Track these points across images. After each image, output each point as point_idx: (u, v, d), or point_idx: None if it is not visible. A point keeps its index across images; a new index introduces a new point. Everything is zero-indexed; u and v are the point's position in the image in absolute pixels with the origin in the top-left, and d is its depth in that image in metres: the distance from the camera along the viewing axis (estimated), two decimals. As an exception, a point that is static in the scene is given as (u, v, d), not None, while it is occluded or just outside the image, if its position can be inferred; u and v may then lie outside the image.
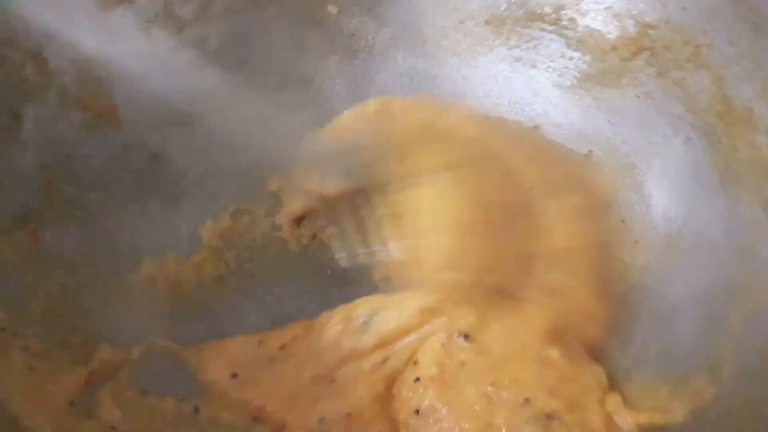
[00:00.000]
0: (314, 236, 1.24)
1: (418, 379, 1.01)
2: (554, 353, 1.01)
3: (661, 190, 1.17)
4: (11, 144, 1.05)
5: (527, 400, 0.96)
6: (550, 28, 1.28)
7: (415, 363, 1.02)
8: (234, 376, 1.04)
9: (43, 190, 1.07)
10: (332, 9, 1.31)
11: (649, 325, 1.08)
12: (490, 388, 0.98)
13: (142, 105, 1.19)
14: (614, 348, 1.08)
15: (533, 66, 1.30)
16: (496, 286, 1.08)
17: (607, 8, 1.23)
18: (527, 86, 1.30)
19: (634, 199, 1.19)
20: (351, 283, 1.18)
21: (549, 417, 0.94)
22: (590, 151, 1.25)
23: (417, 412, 0.98)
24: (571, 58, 1.27)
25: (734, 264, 1.03)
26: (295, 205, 1.24)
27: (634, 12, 1.20)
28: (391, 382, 1.02)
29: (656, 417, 0.95)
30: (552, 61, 1.29)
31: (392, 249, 1.14)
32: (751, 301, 0.97)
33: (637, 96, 1.21)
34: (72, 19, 1.07)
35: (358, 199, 1.20)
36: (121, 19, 1.16)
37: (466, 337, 1.01)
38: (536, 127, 1.28)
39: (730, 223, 1.06)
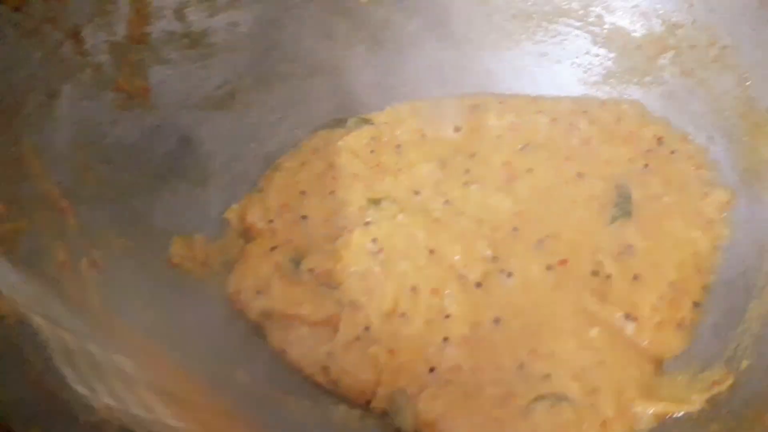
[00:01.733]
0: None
1: (446, 339, 1.03)
2: (594, 332, 1.02)
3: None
4: (48, 121, 1.06)
5: (547, 376, 0.99)
6: (577, 24, 1.30)
7: (448, 317, 1.05)
8: None
9: (77, 169, 1.08)
10: (361, -2, 1.32)
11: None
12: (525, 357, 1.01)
13: (174, 88, 1.21)
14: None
15: (558, 62, 1.32)
16: None
17: (634, 6, 1.25)
18: (552, 82, 1.32)
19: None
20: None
21: (560, 398, 0.96)
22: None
23: (432, 370, 1.01)
24: (597, 55, 1.30)
25: (753, 260, 1.05)
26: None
27: (661, 11, 1.22)
28: None
29: (673, 406, 0.96)
30: (577, 57, 1.31)
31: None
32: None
33: (661, 94, 1.23)
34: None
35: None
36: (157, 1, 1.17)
37: None
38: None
39: (750, 222, 1.08)
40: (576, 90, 1.31)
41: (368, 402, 1.01)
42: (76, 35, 1.10)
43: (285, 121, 1.31)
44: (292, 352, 1.06)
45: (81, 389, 0.87)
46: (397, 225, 1.14)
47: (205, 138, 1.24)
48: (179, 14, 1.21)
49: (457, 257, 1.10)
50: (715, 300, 1.06)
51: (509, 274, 1.09)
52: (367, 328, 1.05)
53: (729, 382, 0.94)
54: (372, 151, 1.27)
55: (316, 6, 1.32)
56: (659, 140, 1.20)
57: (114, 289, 1.03)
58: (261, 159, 1.28)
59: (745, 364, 0.95)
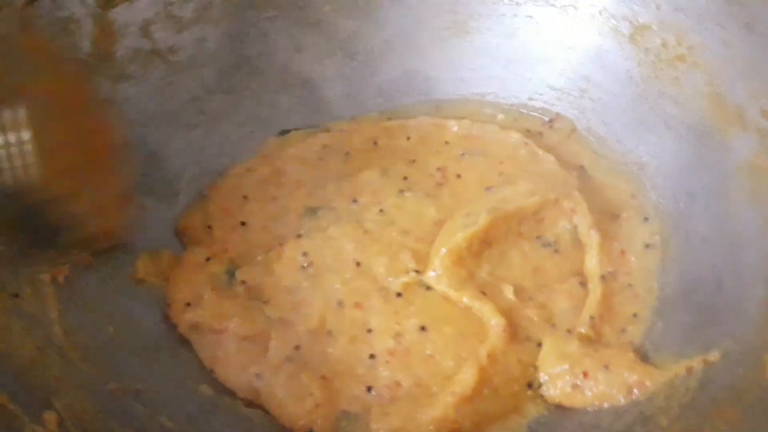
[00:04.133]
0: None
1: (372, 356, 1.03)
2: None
3: (655, 188, 1.17)
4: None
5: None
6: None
7: (370, 331, 1.05)
8: None
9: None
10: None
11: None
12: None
13: (141, 104, 1.22)
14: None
15: (529, 68, 1.31)
16: None
17: (602, 10, 1.24)
18: (522, 88, 1.31)
19: (628, 198, 1.18)
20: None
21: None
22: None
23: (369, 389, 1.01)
24: (567, 60, 1.28)
25: (724, 259, 1.03)
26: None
27: (629, 13, 1.21)
28: None
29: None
30: (546, 62, 1.30)
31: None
32: (739, 293, 0.97)
33: (632, 96, 1.22)
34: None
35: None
36: (121, 18, 1.17)
37: None
38: (528, 131, 1.28)
39: (721, 220, 1.06)
40: (546, 95, 1.30)
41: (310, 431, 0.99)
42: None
43: (255, 135, 1.30)
44: (220, 370, 1.04)
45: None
46: (327, 237, 1.14)
47: (173, 154, 1.24)
48: (145, 31, 1.21)
49: (381, 269, 1.10)
50: (684, 297, 1.04)
51: (428, 288, 1.09)
52: (297, 347, 1.04)
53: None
54: (320, 159, 1.26)
55: (284, 20, 1.32)
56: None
57: (74, 304, 1.03)
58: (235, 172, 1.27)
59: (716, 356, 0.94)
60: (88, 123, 1.05)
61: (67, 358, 0.96)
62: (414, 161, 1.25)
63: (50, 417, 0.88)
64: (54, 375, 0.93)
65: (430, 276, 1.08)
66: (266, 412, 1.01)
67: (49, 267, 1.03)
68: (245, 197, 1.21)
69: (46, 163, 0.95)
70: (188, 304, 1.08)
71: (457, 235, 1.09)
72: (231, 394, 1.02)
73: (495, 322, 1.03)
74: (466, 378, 0.96)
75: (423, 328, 1.05)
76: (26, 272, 1.01)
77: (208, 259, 1.14)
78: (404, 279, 1.09)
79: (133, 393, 0.98)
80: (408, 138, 1.29)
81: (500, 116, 1.32)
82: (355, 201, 1.19)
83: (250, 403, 1.02)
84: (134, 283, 1.11)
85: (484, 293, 1.07)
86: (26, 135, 0.94)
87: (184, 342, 1.07)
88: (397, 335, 1.04)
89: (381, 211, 1.17)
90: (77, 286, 1.05)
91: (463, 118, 1.31)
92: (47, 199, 0.97)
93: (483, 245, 1.10)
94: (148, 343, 1.05)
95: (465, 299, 1.06)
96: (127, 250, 1.13)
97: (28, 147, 0.94)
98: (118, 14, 1.17)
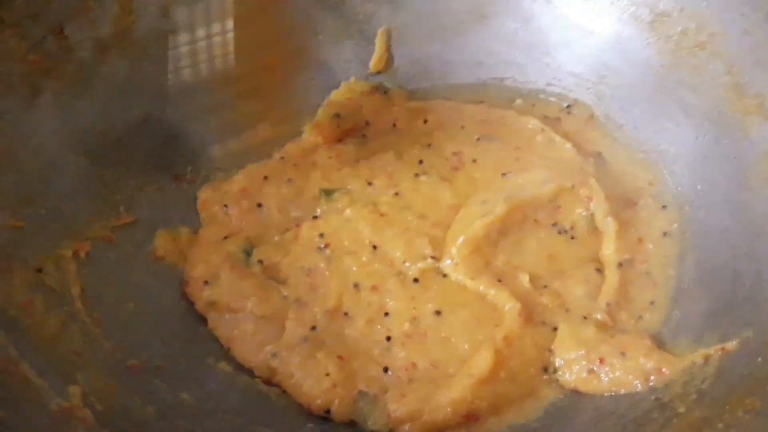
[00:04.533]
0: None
1: (389, 338, 1.04)
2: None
3: (673, 176, 1.17)
4: (29, 116, 1.07)
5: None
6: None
7: (387, 314, 1.06)
8: None
9: (59, 162, 1.08)
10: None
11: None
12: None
13: (160, 83, 1.22)
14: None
15: (547, 53, 1.31)
16: None
17: (622, -4, 1.24)
18: (540, 72, 1.32)
19: (646, 186, 1.19)
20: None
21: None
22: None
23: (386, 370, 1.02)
24: (585, 46, 1.28)
25: (742, 248, 1.03)
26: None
27: (649, 0, 1.20)
28: None
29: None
30: (567, 48, 1.30)
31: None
32: (757, 282, 0.98)
33: (651, 83, 1.22)
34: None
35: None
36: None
37: None
38: (546, 117, 1.29)
39: (740, 209, 1.06)
40: (564, 80, 1.30)
41: (327, 411, 1.00)
42: (59, 31, 1.10)
43: (273, 116, 1.30)
44: (237, 348, 1.05)
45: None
46: (344, 220, 1.15)
47: (193, 132, 1.24)
48: (164, 11, 1.21)
49: (398, 253, 1.11)
50: (702, 286, 1.05)
51: (445, 275, 1.10)
52: (313, 328, 1.05)
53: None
54: (337, 140, 1.27)
55: (304, 1, 1.32)
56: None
57: (96, 280, 1.04)
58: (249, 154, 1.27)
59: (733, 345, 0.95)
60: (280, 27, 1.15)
61: (90, 334, 0.98)
62: (430, 145, 1.25)
63: (74, 391, 0.89)
64: (77, 350, 0.95)
65: (447, 264, 1.09)
66: (284, 390, 1.02)
67: (70, 242, 1.04)
68: (266, 178, 1.22)
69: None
70: (206, 282, 1.09)
71: (475, 223, 1.09)
72: (249, 371, 1.03)
73: (510, 306, 1.04)
74: (483, 360, 0.97)
75: (438, 313, 1.06)
76: (48, 247, 1.02)
77: (225, 238, 1.15)
78: (421, 265, 1.10)
79: (154, 369, 0.99)
80: (425, 121, 1.30)
81: (518, 101, 1.32)
82: (370, 184, 1.20)
83: (268, 381, 1.03)
84: (154, 261, 1.12)
85: (500, 281, 1.07)
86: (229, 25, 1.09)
87: (203, 319, 1.08)
88: (414, 319, 1.05)
89: (396, 194, 1.18)
90: (98, 262, 1.06)
91: (482, 102, 1.32)
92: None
93: (499, 234, 1.11)
94: (167, 320, 1.06)
95: (481, 287, 1.07)
96: (147, 228, 1.14)
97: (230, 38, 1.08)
98: (140, -8, 1.17)
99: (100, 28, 1.14)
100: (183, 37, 1.23)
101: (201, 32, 1.25)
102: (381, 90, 1.34)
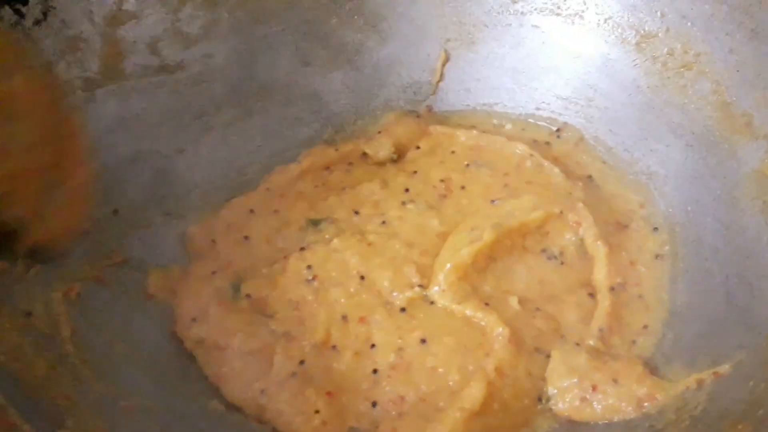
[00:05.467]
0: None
1: (375, 371, 1.04)
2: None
3: (664, 198, 1.17)
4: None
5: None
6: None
7: (373, 346, 1.06)
8: None
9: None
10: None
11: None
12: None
13: (150, 120, 1.22)
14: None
15: (535, 78, 1.31)
16: None
17: (608, 18, 1.23)
18: (529, 97, 1.32)
19: (636, 208, 1.18)
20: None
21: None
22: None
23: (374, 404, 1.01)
24: (573, 69, 1.28)
25: (734, 269, 1.02)
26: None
27: (635, 21, 1.21)
28: None
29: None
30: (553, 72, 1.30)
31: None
32: (750, 304, 0.97)
33: (639, 105, 1.22)
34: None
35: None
36: (129, 35, 1.18)
37: None
38: (535, 142, 1.29)
39: (731, 230, 1.06)
40: (553, 104, 1.30)
41: None
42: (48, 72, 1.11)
43: (264, 149, 1.30)
44: (226, 386, 1.04)
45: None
46: (331, 250, 1.14)
47: (184, 169, 1.24)
48: (153, 48, 1.22)
49: (386, 283, 1.10)
50: (695, 308, 1.04)
51: (432, 303, 1.09)
52: (302, 362, 1.04)
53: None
54: (324, 169, 1.27)
55: (291, 34, 1.32)
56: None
57: (86, 321, 1.04)
58: (242, 188, 1.27)
59: (726, 369, 0.94)
60: (49, 127, 1.00)
61: (79, 377, 0.97)
62: (415, 172, 1.25)
63: (63, 435, 0.88)
64: (66, 393, 0.94)
65: (434, 291, 1.09)
66: (275, 429, 1.01)
67: (61, 284, 1.04)
68: (252, 211, 1.22)
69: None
70: (194, 320, 1.09)
71: (462, 251, 1.09)
72: (241, 410, 1.03)
73: (499, 332, 1.03)
74: (474, 393, 0.96)
75: (423, 341, 1.05)
76: (38, 290, 1.02)
77: (213, 273, 1.14)
78: (409, 294, 1.09)
79: (145, 410, 0.98)
80: (417, 147, 1.29)
81: (508, 126, 1.32)
82: (357, 212, 1.20)
83: (258, 419, 1.02)
84: (145, 299, 1.12)
85: (487, 304, 1.06)
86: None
87: (193, 357, 1.08)
88: (399, 350, 1.04)
89: (383, 223, 1.17)
90: (89, 303, 1.05)
91: (472, 126, 1.32)
92: None
93: (488, 260, 1.10)
94: (159, 360, 1.06)
95: (468, 311, 1.06)
96: (138, 267, 1.14)
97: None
98: (126, 31, 1.18)
99: (88, 67, 1.15)
100: (171, 73, 1.24)
101: (191, 68, 1.25)
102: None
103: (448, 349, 1.03)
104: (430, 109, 1.36)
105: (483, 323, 1.05)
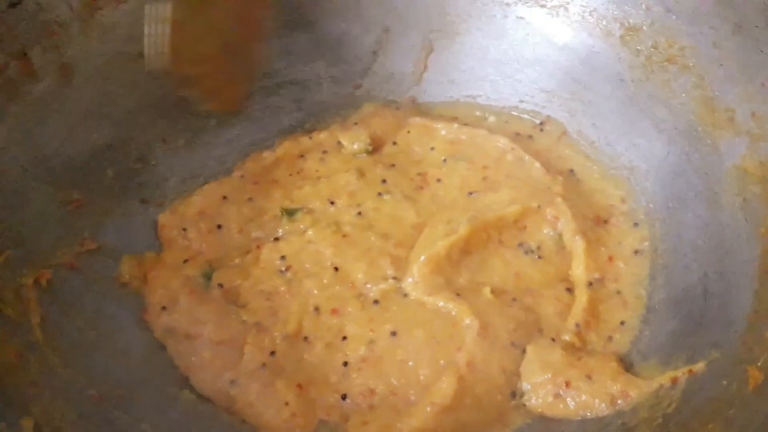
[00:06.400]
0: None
1: (346, 363, 1.03)
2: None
3: (645, 193, 1.16)
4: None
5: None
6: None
7: (345, 339, 1.04)
8: None
9: (21, 189, 1.07)
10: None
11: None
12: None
13: (129, 107, 1.21)
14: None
15: (520, 69, 1.30)
16: None
17: (592, 11, 1.22)
18: (513, 89, 1.30)
19: (617, 203, 1.17)
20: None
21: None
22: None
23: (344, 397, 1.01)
24: (557, 62, 1.27)
25: (712, 266, 1.01)
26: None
27: (619, 14, 1.19)
28: None
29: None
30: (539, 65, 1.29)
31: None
32: (726, 302, 0.96)
33: (622, 100, 1.20)
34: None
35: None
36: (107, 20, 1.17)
37: None
38: (518, 135, 1.27)
39: (711, 226, 1.05)
40: (537, 97, 1.29)
41: None
42: (23, 56, 1.09)
43: (244, 138, 1.29)
44: (196, 376, 1.02)
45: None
46: (306, 241, 1.13)
47: (161, 156, 1.23)
48: (131, 34, 1.20)
49: (360, 275, 1.09)
50: (672, 305, 1.03)
51: (405, 295, 1.07)
52: (272, 353, 1.03)
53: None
54: (299, 157, 1.25)
55: (274, 22, 1.31)
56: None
57: (57, 308, 1.02)
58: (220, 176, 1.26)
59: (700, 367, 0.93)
60: (225, 18, 1.20)
61: (47, 364, 0.96)
62: (393, 165, 1.23)
63: (27, 423, 0.87)
64: (32, 380, 0.93)
65: (408, 283, 1.07)
66: (244, 420, 1.00)
67: (32, 270, 1.03)
68: (225, 198, 1.20)
69: (178, 51, 1.15)
70: (164, 308, 1.07)
71: (437, 243, 1.07)
72: (211, 400, 1.02)
73: (468, 322, 1.02)
74: (445, 387, 0.95)
75: (394, 333, 1.04)
76: (8, 276, 1.00)
77: (185, 262, 1.13)
78: (383, 286, 1.08)
79: (115, 399, 0.97)
80: (394, 143, 1.28)
81: (491, 119, 1.31)
82: (332, 203, 1.18)
83: (229, 410, 1.01)
84: (117, 287, 1.10)
85: (458, 295, 1.05)
86: (167, 28, 1.14)
87: (164, 347, 1.06)
88: (370, 342, 1.03)
89: (359, 213, 1.16)
90: (60, 290, 1.04)
91: (455, 117, 1.30)
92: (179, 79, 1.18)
93: (463, 253, 1.09)
94: (130, 349, 1.04)
95: (440, 303, 1.05)
96: (112, 254, 1.12)
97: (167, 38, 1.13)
98: (104, 17, 1.16)
99: (65, 52, 1.14)
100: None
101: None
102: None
103: (418, 342, 1.02)
104: (413, 100, 1.34)
105: (453, 313, 1.03)
